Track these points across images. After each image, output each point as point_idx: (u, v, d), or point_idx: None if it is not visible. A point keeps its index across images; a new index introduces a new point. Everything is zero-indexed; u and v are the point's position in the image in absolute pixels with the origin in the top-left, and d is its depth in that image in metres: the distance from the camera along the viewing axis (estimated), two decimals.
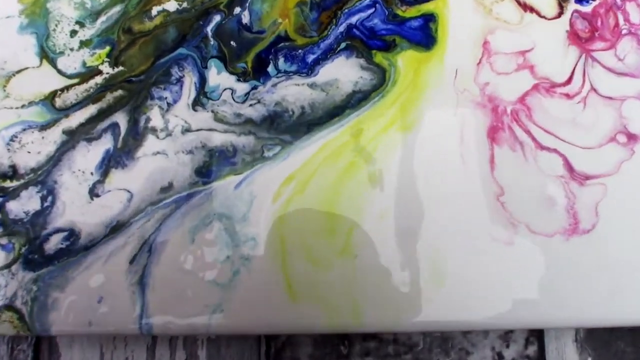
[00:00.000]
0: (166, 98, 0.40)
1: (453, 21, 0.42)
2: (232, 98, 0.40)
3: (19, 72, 0.41)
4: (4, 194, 0.40)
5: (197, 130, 0.40)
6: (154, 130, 0.40)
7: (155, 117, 0.40)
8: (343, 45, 0.41)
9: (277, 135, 0.40)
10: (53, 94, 0.41)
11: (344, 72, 0.40)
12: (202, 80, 0.40)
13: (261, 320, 0.38)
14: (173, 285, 0.39)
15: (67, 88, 0.41)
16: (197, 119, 0.40)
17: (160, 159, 0.40)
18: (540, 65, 0.42)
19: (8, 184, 0.40)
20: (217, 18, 0.41)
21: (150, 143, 0.40)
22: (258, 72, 0.40)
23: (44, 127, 0.41)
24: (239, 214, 0.39)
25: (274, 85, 0.40)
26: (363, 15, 0.41)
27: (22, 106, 0.41)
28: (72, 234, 0.40)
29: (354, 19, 0.41)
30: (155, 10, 0.42)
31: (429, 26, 0.42)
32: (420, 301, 0.38)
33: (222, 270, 0.38)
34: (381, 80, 0.40)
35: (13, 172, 0.40)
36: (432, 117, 0.40)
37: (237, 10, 0.41)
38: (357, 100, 0.40)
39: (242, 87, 0.40)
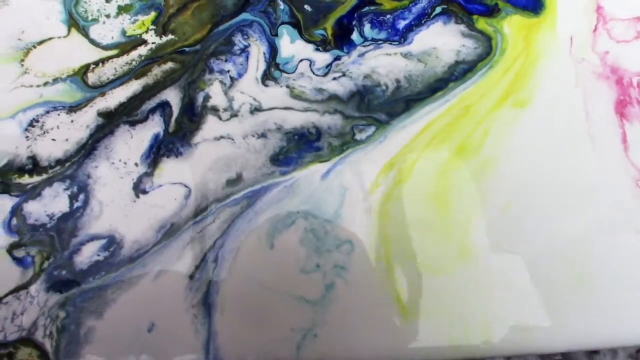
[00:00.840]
0: (229, 71, 0.32)
1: None
2: (311, 70, 0.32)
3: (40, 43, 0.33)
4: (21, 193, 0.31)
5: (270, 109, 0.32)
6: (215, 109, 0.32)
7: (216, 94, 0.32)
8: (438, 9, 0.34)
9: (369, 113, 0.32)
10: (85, 69, 0.33)
11: (442, 41, 0.33)
12: (273, 50, 0.33)
13: (366, 347, 0.29)
14: (249, 305, 0.30)
15: (103, 61, 0.33)
16: (269, 95, 0.32)
17: (225, 145, 0.31)
18: None
19: (26, 179, 0.31)
20: None
21: (211, 126, 0.32)
22: (340, 40, 0.33)
23: (73, 109, 0.32)
24: (328, 210, 0.30)
25: (361, 55, 0.33)
26: None
27: (45, 84, 0.32)
28: (112, 242, 0.31)
29: None
30: None
31: None
32: (560, 312, 0.30)
33: (312, 283, 0.30)
34: (487, 49, 0.34)
35: (33, 165, 0.32)
36: (550, 91, 0.33)
37: None
38: (461, 71, 0.33)
39: (322, 58, 0.32)
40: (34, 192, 0.33)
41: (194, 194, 0.33)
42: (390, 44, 0.36)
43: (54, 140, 0.34)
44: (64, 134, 0.34)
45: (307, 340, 0.30)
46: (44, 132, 0.34)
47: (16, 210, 0.33)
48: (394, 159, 0.33)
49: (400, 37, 0.36)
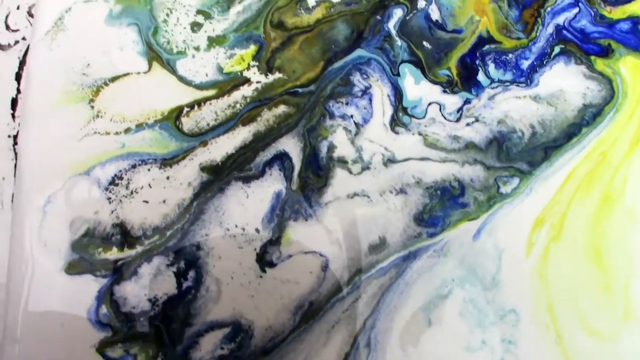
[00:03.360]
0: (352, 116, 0.30)
1: None
2: (442, 115, 0.30)
3: (114, 79, 0.28)
4: (108, 272, 0.26)
5: (405, 160, 0.30)
6: (343, 161, 0.29)
7: (341, 142, 0.29)
8: (557, 49, 0.34)
9: (510, 163, 0.31)
10: (177, 112, 0.29)
11: (568, 82, 0.34)
12: (397, 92, 0.30)
13: None
14: None
15: (199, 103, 0.29)
16: (402, 144, 0.30)
17: (361, 204, 0.29)
18: None
19: (115, 254, 0.26)
20: (398, 12, 0.33)
21: (342, 180, 0.29)
22: (467, 81, 0.31)
23: (167, 162, 0.28)
24: (486, 276, 0.29)
25: (491, 98, 0.32)
26: (569, 15, 0.36)
27: (126, 130, 0.28)
28: (238, 330, 0.26)
29: (560, 19, 0.35)
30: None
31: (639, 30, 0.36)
32: None
33: None
34: (610, 92, 0.34)
35: (122, 235, 0.26)
36: None
37: (422, 3, 0.33)
38: (591, 115, 0.33)
39: (451, 101, 0.31)
40: (127, 271, 0.27)
41: (333, 264, 0.29)
42: (518, 85, 0.34)
43: (146, 202, 0.29)
44: (159, 194, 0.29)
45: None
46: (132, 192, 0.29)
47: (105, 295, 0.27)
48: (543, 214, 0.32)
49: (526, 78, 0.35)
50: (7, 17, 0.40)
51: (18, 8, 0.40)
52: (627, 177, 0.36)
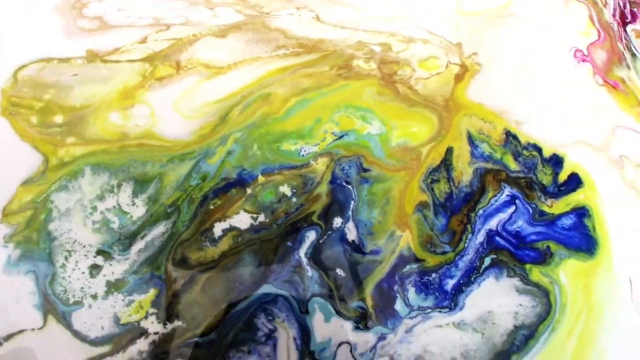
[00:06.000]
0: None
1: (609, 213, 0.35)
2: (353, 357, 0.29)
3: (9, 338, 0.29)
4: None
5: None
6: None
7: None
8: (487, 261, 0.34)
9: None
10: None
11: (497, 301, 0.33)
12: (305, 334, 0.30)
13: None
14: None
15: None
16: None
17: None
18: None
19: None
20: (311, 235, 0.33)
21: None
22: (383, 313, 0.31)
23: None
24: None
25: (409, 330, 0.31)
26: (503, 216, 0.35)
27: None
28: None
29: (493, 223, 0.35)
30: (219, 228, 0.32)
31: (584, 223, 0.35)
32: None
33: None
34: (546, 306, 0.34)
35: None
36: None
37: (338, 222, 0.33)
38: (522, 339, 0.32)
39: (364, 339, 0.31)
40: None
41: None
42: (440, 311, 0.34)
43: None
44: None
45: None
46: None
47: None
48: None
49: (450, 301, 0.34)
50: None
51: None
52: None
